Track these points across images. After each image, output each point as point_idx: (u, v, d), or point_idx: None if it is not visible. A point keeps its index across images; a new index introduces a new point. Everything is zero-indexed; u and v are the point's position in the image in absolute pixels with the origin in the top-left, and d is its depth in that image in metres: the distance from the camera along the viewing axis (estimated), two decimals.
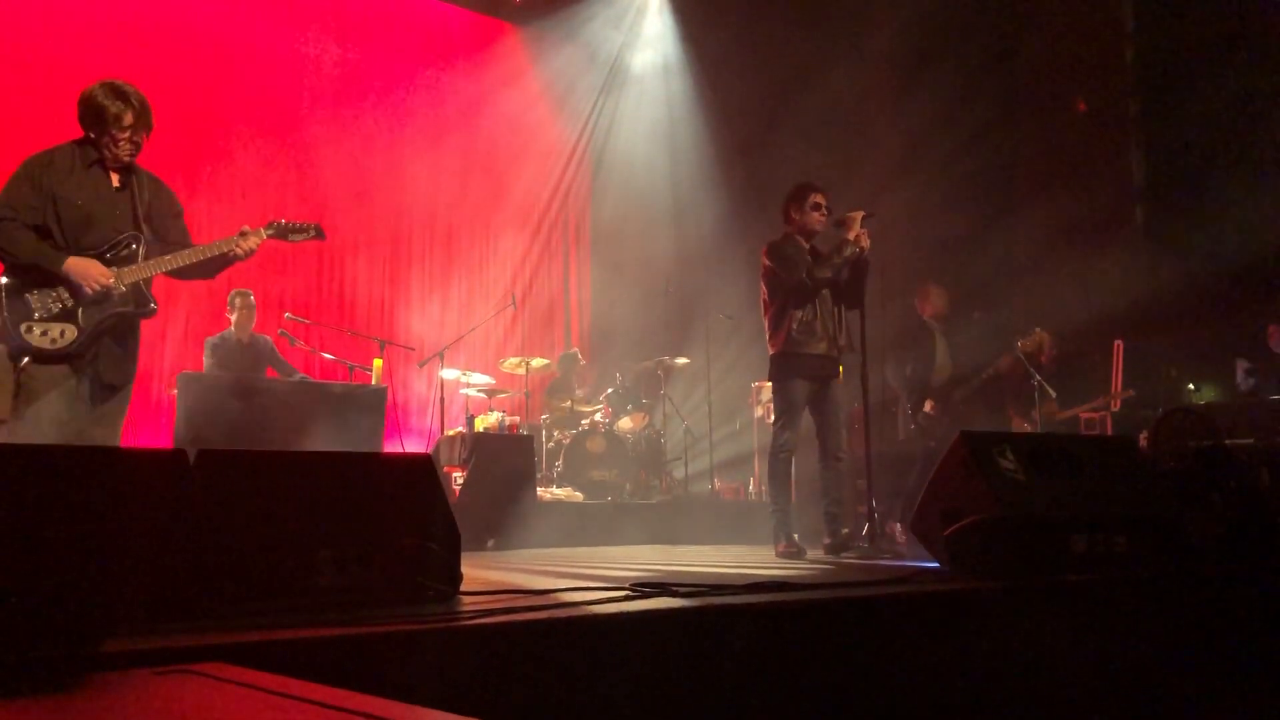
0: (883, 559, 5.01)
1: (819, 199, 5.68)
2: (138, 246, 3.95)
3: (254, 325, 7.56)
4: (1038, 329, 7.15)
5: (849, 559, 5.15)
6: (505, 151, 11.09)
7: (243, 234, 4.09)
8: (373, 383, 7.58)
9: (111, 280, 3.84)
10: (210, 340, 7.46)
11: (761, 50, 10.48)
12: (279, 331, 7.81)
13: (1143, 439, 6.52)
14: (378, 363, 7.78)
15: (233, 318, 7.48)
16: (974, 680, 3.02)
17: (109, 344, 3.92)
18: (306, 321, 8.47)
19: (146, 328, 4.14)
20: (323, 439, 6.26)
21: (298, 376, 7.44)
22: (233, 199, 9.28)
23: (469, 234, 10.95)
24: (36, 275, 3.80)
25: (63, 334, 3.78)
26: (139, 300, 3.95)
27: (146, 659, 1.75)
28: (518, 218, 11.32)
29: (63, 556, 2.14)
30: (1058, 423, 7.67)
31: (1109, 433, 7.92)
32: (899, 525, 6.61)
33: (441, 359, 8.54)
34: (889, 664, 2.88)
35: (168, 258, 3.97)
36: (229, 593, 2.38)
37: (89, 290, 3.79)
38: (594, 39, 11.52)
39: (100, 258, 3.87)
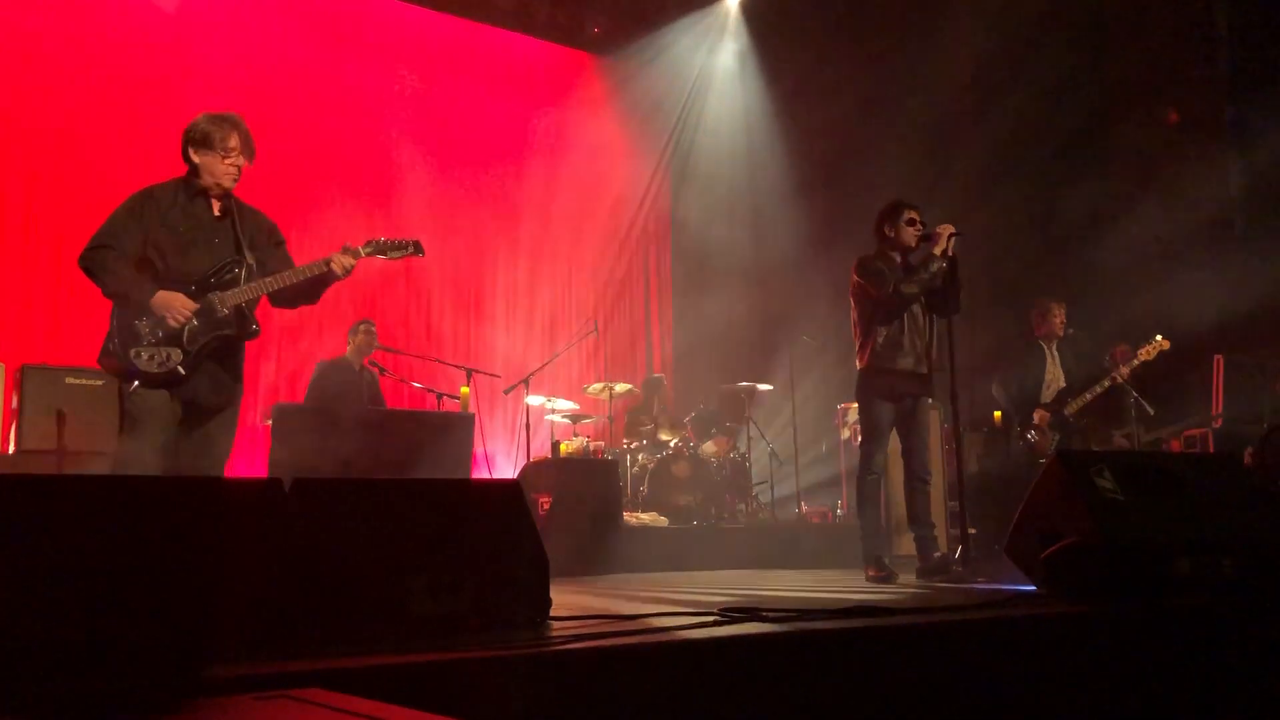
0: (977, 583, 4.91)
1: (913, 215, 5.62)
2: (240, 270, 4.05)
3: (368, 356, 7.80)
4: (1126, 344, 7.00)
5: (942, 583, 5.05)
6: (586, 180, 11.19)
7: (344, 250, 4.17)
8: (460, 410, 7.68)
9: (191, 313, 3.92)
10: (323, 363, 7.66)
11: (841, 71, 10.42)
12: (368, 362, 7.97)
13: (1248, 456, 6.30)
14: (465, 390, 7.88)
15: (353, 344, 7.74)
16: (1074, 708, 2.94)
17: (211, 367, 4.03)
18: (396, 352, 8.62)
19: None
20: (413, 466, 6.35)
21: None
22: (317, 234, 9.50)
23: (550, 262, 11.06)
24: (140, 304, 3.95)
25: (169, 357, 3.90)
26: (241, 323, 4.06)
27: (247, 684, 1.79)
28: (599, 244, 11.41)
29: (165, 584, 2.20)
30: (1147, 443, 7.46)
31: (1210, 450, 7.66)
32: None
33: (526, 386, 8.60)
34: (985, 690, 2.82)
35: (268, 279, 4.07)
36: (324, 619, 2.42)
37: (172, 323, 3.90)
38: (671, 67, 11.55)
39: (204, 282, 3.99)
